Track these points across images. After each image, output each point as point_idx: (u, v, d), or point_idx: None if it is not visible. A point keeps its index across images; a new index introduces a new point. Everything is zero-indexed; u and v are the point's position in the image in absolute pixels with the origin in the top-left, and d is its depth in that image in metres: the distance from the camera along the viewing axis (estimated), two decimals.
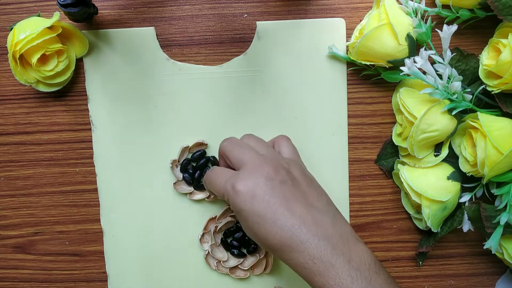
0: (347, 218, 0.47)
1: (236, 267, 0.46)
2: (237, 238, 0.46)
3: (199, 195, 0.46)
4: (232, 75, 0.46)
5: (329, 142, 0.46)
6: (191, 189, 0.46)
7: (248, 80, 0.46)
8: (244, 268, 0.46)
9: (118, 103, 0.46)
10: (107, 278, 0.47)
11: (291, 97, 0.46)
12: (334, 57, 0.46)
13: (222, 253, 0.46)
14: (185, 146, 0.46)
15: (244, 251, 0.46)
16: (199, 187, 0.46)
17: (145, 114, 0.46)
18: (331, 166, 0.46)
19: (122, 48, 0.46)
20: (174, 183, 0.46)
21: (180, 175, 0.46)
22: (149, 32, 0.46)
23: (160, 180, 0.46)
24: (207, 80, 0.46)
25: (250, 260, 0.46)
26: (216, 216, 0.46)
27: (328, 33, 0.46)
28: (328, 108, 0.46)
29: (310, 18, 0.46)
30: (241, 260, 0.46)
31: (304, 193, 0.37)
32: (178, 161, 0.46)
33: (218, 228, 0.46)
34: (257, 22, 0.46)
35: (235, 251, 0.46)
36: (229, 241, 0.46)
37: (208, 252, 0.46)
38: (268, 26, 0.46)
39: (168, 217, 0.47)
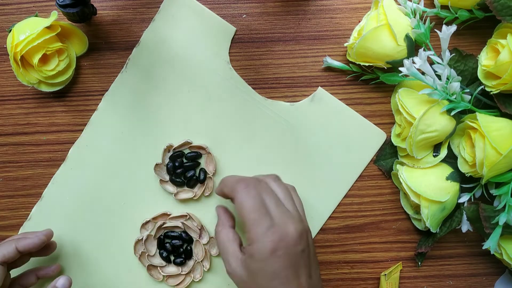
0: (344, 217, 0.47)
1: (155, 267, 0.46)
2: (173, 244, 0.46)
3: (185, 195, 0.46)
4: (272, 115, 0.46)
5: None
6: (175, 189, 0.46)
7: (278, 125, 0.47)
8: (162, 273, 0.46)
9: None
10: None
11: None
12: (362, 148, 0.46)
13: (153, 247, 0.46)
14: (168, 145, 0.46)
15: (172, 258, 0.46)
16: (177, 183, 0.46)
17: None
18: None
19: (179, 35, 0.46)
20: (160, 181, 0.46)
21: (166, 176, 0.46)
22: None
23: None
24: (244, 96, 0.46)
25: (172, 269, 0.46)
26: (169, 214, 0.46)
27: (371, 140, 0.46)
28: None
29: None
30: (164, 264, 0.46)
31: (310, 262, 0.38)
32: (162, 162, 0.46)
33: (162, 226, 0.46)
34: (320, 88, 0.46)
35: (164, 253, 0.46)
36: (165, 242, 0.46)
37: (142, 238, 0.46)
38: (326, 96, 0.46)
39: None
